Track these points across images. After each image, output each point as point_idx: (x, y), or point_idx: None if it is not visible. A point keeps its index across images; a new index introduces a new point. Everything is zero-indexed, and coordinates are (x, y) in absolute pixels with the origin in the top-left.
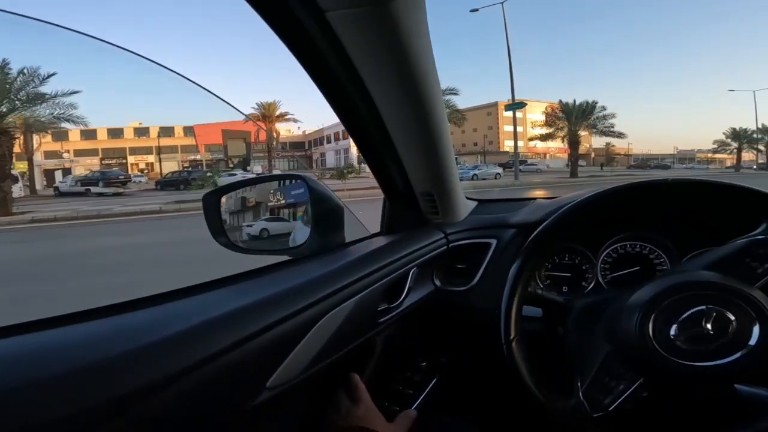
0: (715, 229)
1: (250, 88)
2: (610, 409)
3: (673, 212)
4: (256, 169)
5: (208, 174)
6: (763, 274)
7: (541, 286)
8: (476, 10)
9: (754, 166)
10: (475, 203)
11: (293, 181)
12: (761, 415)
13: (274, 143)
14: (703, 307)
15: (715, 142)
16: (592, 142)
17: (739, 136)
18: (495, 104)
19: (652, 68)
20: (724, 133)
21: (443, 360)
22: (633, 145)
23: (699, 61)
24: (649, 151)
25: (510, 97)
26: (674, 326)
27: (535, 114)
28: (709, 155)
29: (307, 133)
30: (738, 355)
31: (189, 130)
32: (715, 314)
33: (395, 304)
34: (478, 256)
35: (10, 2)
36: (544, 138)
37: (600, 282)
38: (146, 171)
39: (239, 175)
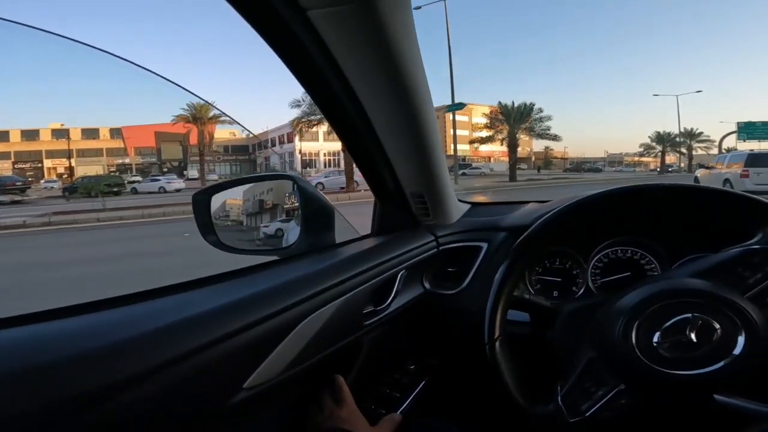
0: (707, 235)
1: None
2: (587, 414)
3: (664, 218)
4: (192, 173)
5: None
6: (754, 284)
7: (531, 290)
8: (419, 7)
9: (673, 167)
10: (467, 206)
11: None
12: (739, 427)
13: (206, 147)
14: (689, 315)
15: (641, 145)
16: (532, 145)
17: (662, 139)
18: (442, 107)
19: (585, 72)
20: (649, 137)
21: (431, 363)
22: (569, 150)
23: (627, 65)
24: (584, 154)
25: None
26: (658, 333)
27: (479, 117)
28: (636, 158)
29: (250, 136)
30: (721, 364)
31: (116, 132)
32: (700, 322)
33: (382, 306)
34: (468, 259)
35: None
36: (484, 141)
37: (590, 287)
38: (65, 176)
39: (163, 180)
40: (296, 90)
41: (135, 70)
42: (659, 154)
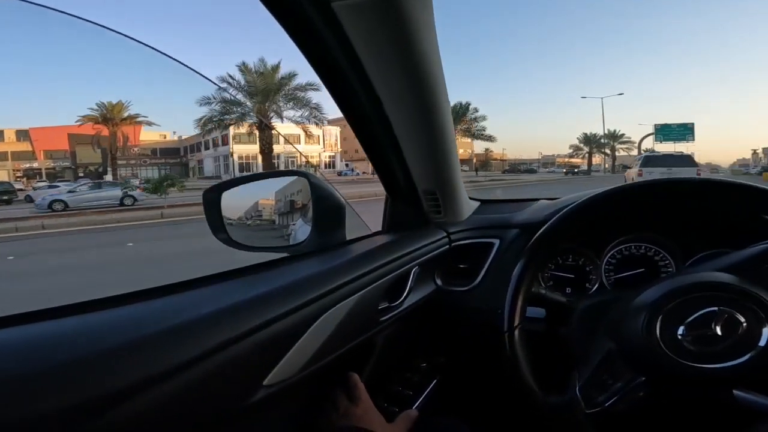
0: (720, 230)
1: None
2: (606, 405)
3: (677, 213)
4: (107, 178)
5: None
6: None
7: (544, 286)
8: None
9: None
10: (477, 203)
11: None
12: (753, 421)
13: (125, 149)
14: (715, 308)
15: (570, 146)
16: (473, 147)
17: (589, 140)
18: None
19: (520, 72)
20: (577, 138)
21: (443, 360)
22: (507, 151)
23: (559, 68)
24: (521, 156)
25: None
26: (682, 327)
27: None
28: (566, 159)
29: (183, 138)
30: (746, 357)
31: (23, 134)
32: (726, 316)
33: (396, 303)
34: (480, 256)
35: None
36: None
37: (604, 283)
38: None
39: (62, 186)
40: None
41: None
42: (587, 155)
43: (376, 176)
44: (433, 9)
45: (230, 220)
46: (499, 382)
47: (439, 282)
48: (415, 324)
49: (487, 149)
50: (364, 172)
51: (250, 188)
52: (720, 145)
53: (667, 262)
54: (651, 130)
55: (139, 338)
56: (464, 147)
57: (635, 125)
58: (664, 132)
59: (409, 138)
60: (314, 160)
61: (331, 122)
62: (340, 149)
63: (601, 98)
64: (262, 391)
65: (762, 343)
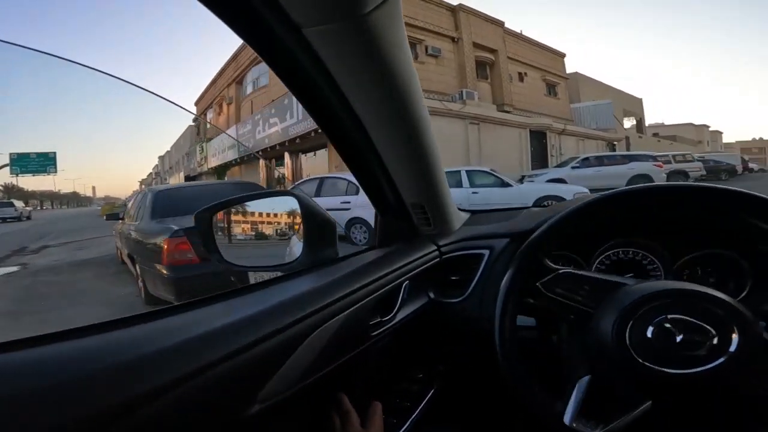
0: (707, 233)
1: None
2: (608, 417)
3: (663, 218)
4: None
5: None
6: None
7: (535, 294)
8: None
9: None
10: (467, 215)
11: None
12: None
13: None
14: (685, 315)
15: None
16: None
17: None
18: None
19: None
20: None
21: (440, 371)
22: None
23: None
24: None
25: None
26: (652, 332)
27: None
28: None
29: None
30: (717, 363)
31: None
32: (695, 323)
33: (388, 317)
34: (471, 266)
35: None
36: None
37: None
38: None
39: None
40: None
41: None
42: None
43: None
44: (404, 28)
45: (223, 240)
46: (496, 392)
47: (432, 294)
48: (410, 336)
49: None
50: None
51: (242, 209)
52: None
53: (655, 266)
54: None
55: (135, 359)
56: None
57: None
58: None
59: (393, 154)
60: None
61: None
62: None
63: None
64: (257, 406)
65: (732, 348)
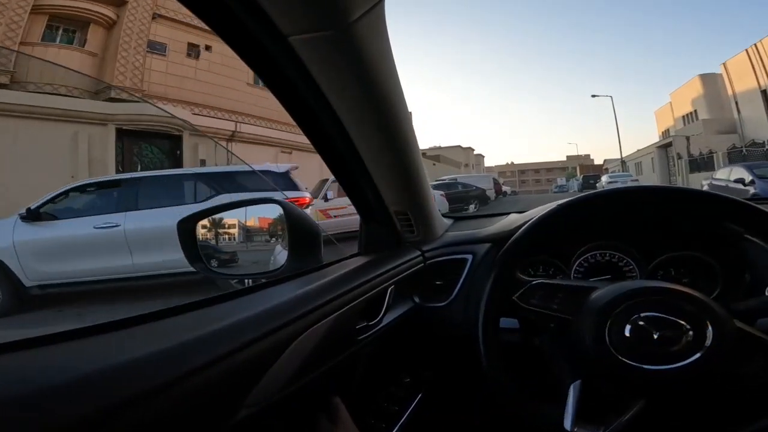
0: (680, 236)
1: None
2: (604, 419)
3: (637, 219)
4: None
5: None
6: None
7: (517, 297)
8: None
9: None
10: (451, 221)
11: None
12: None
13: None
14: (660, 313)
15: None
16: None
17: None
18: None
19: None
20: None
21: (427, 375)
22: None
23: None
24: None
25: None
26: (629, 329)
27: None
28: None
29: None
30: (695, 357)
31: None
32: (671, 319)
33: (374, 321)
34: (455, 271)
35: None
36: None
37: None
38: None
39: None
40: None
41: None
42: None
43: None
44: (389, 38)
45: (207, 248)
46: (482, 395)
47: (417, 299)
48: (396, 341)
49: None
50: None
51: (225, 216)
52: None
53: (631, 267)
54: None
55: (118, 364)
56: None
57: None
58: None
59: (377, 162)
60: None
61: None
62: None
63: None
64: (244, 410)
65: (708, 343)
